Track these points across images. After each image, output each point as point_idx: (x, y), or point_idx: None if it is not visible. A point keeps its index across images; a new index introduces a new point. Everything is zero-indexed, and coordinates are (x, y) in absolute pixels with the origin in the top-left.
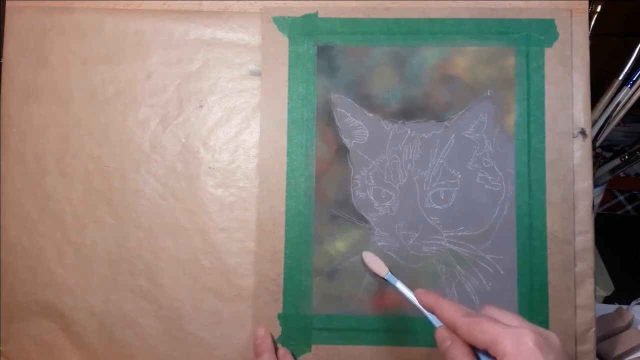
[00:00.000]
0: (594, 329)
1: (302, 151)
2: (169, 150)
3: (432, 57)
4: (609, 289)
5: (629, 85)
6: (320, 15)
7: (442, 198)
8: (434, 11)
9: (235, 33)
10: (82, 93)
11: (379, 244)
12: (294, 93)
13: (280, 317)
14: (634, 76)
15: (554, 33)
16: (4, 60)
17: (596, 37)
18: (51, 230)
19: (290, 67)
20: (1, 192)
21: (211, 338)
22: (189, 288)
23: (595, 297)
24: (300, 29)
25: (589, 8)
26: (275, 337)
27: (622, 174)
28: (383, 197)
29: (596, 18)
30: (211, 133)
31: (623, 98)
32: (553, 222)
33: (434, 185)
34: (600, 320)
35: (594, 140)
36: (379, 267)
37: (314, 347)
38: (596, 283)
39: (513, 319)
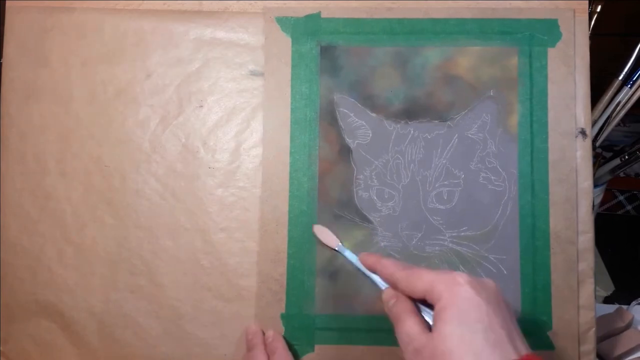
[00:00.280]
0: (594, 329)
1: (305, 151)
2: (169, 150)
3: (434, 57)
4: (609, 289)
5: (629, 85)
6: (323, 15)
7: (445, 198)
8: (436, 11)
9: (236, 33)
10: (82, 93)
11: (382, 244)
12: (297, 93)
13: (283, 317)
14: (634, 76)
15: (557, 33)
16: (4, 60)
17: (596, 37)
18: (51, 230)
19: (293, 67)
20: (1, 192)
21: (211, 338)
22: (189, 288)
23: (595, 297)
24: (303, 29)
25: (589, 8)
26: None
27: (622, 174)
28: (386, 197)
29: (596, 18)
30: (211, 133)
31: (623, 98)
32: (556, 222)
33: (437, 185)
34: (600, 320)
35: (594, 140)
36: (330, 239)
37: (317, 347)
38: (596, 283)
39: (449, 270)
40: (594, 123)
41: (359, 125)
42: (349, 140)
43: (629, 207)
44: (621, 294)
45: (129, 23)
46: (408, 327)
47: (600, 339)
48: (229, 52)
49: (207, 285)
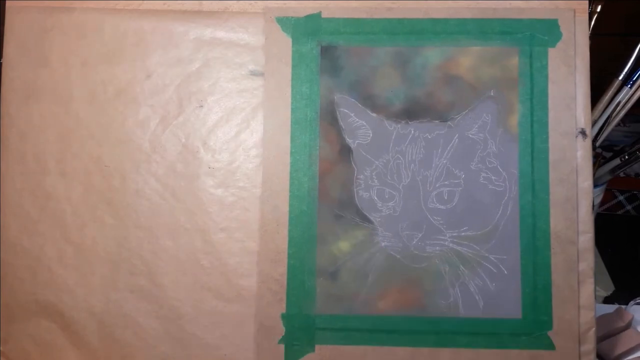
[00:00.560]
0: (594, 328)
1: (306, 151)
2: (169, 150)
3: (435, 57)
4: (609, 289)
5: (629, 85)
6: (323, 15)
7: (446, 198)
8: (436, 11)
9: (236, 33)
10: (82, 93)
11: (383, 244)
12: (298, 93)
13: (283, 317)
14: (634, 76)
15: (557, 33)
16: (4, 60)
17: (596, 37)
18: (51, 230)
19: (294, 67)
20: (1, 192)
21: (211, 338)
22: (189, 288)
23: (595, 297)
24: (304, 29)
25: (589, 8)
26: (279, 337)
27: (622, 174)
28: (386, 197)
29: (596, 18)
30: (211, 133)
31: (623, 98)
32: (556, 222)
33: (437, 186)
34: (600, 320)
35: (594, 140)
36: None
37: (317, 347)
38: (596, 283)
39: None
40: (594, 123)
41: (360, 125)
42: (349, 140)
43: (629, 207)
44: (621, 294)
45: (129, 23)
46: None
47: (600, 339)
48: (229, 52)
49: (207, 285)
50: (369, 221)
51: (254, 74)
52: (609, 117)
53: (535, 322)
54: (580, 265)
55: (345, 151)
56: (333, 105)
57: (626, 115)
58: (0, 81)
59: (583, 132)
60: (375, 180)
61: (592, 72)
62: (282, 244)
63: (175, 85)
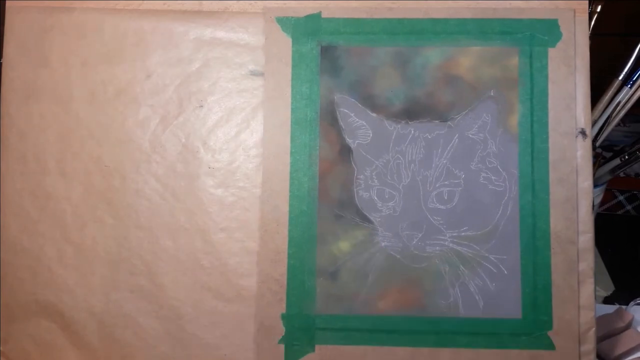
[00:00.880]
0: (594, 329)
1: (306, 151)
2: (169, 150)
3: (435, 57)
4: (609, 289)
5: (629, 85)
6: (323, 15)
7: (446, 198)
8: (436, 11)
9: (236, 33)
10: (82, 93)
11: (383, 244)
12: (298, 93)
13: (283, 317)
14: (634, 76)
15: (557, 33)
16: (4, 60)
17: (596, 37)
18: (51, 230)
19: (294, 67)
20: (1, 192)
21: (211, 338)
22: (189, 288)
23: (595, 297)
24: (304, 29)
25: (589, 8)
26: (279, 337)
27: (622, 174)
28: (386, 197)
29: (596, 18)
30: (211, 133)
31: (623, 98)
32: (556, 222)
33: (437, 185)
34: (600, 320)
35: (594, 140)
36: None
37: (317, 347)
38: (596, 283)
39: None
40: (594, 123)
41: (360, 125)
42: (349, 140)
43: (629, 207)
44: (621, 294)
45: (129, 23)
46: None
47: (600, 339)
48: (229, 52)
49: (207, 285)
50: (369, 221)
51: (254, 74)
52: (609, 117)
53: (535, 322)
54: (580, 265)
55: (345, 151)
56: (333, 105)
57: (626, 115)
58: (0, 81)
59: (583, 132)
60: (375, 180)
61: (592, 72)
62: (282, 244)
63: (175, 85)
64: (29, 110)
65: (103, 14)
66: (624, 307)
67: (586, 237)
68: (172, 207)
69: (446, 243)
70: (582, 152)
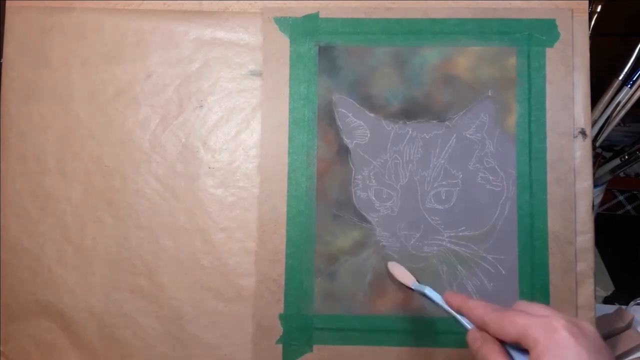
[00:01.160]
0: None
1: (304, 151)
2: (169, 150)
3: (433, 57)
4: (609, 289)
5: (629, 85)
6: (322, 15)
7: (444, 198)
8: (436, 11)
9: (235, 33)
10: (82, 93)
11: (380, 244)
12: (296, 93)
13: (281, 317)
14: (634, 76)
15: (555, 33)
16: (4, 60)
17: (596, 37)
18: (51, 230)
19: (292, 67)
20: (1, 192)
21: (211, 338)
22: (189, 288)
23: (595, 297)
24: (302, 29)
25: (589, 8)
26: (277, 337)
27: (622, 174)
28: (384, 197)
29: (596, 18)
30: (211, 133)
31: (623, 98)
32: (554, 222)
33: (435, 185)
34: (600, 320)
35: (594, 140)
36: (405, 277)
37: (315, 347)
38: (596, 283)
39: (543, 310)
40: (594, 123)
41: (357, 126)
42: (347, 141)
43: (629, 207)
44: (621, 294)
45: (129, 23)
46: None
47: None
48: (229, 52)
49: (207, 285)
50: (367, 221)
51: (254, 74)
52: (609, 117)
53: None
54: (580, 265)
55: (343, 151)
56: (331, 105)
57: (626, 115)
58: (0, 81)
59: (583, 132)
60: (373, 180)
61: (592, 72)
62: (280, 244)
63: (175, 85)
64: (29, 110)
65: (103, 14)
66: (624, 307)
67: (586, 237)
68: (172, 207)
69: (444, 243)
70: (582, 152)
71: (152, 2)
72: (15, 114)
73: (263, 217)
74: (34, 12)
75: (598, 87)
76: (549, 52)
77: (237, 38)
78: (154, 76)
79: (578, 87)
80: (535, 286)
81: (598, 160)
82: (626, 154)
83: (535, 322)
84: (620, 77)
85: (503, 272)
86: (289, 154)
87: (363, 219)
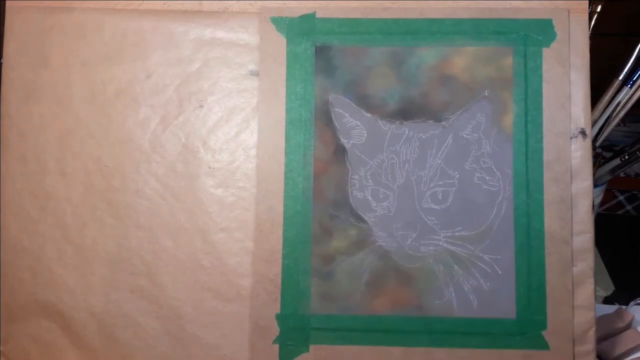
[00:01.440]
0: (593, 329)
1: (300, 151)
2: (169, 150)
3: (430, 57)
4: (609, 289)
5: (629, 85)
6: (319, 15)
7: (440, 198)
8: (432, 11)
9: (235, 33)
10: (82, 93)
11: (377, 244)
12: (292, 93)
13: (278, 317)
14: (634, 76)
15: (551, 33)
16: (4, 60)
17: (596, 37)
18: (51, 230)
19: (288, 67)
20: (1, 192)
21: (211, 338)
22: (189, 288)
23: (595, 297)
24: (298, 29)
25: (589, 8)
26: (274, 337)
27: (622, 174)
28: (381, 197)
29: (596, 18)
30: (211, 133)
31: (623, 98)
32: (551, 222)
33: (431, 185)
34: (600, 320)
35: (594, 140)
36: None
37: (312, 347)
38: (596, 283)
39: None
40: (594, 123)
41: (354, 126)
42: (344, 141)
43: (629, 207)
44: (621, 294)
45: (129, 23)
46: None
47: (600, 340)
48: (229, 52)
49: (207, 285)
50: (364, 221)
51: (253, 74)
52: (609, 117)
53: (529, 322)
54: (580, 265)
55: (340, 151)
56: (327, 105)
57: (626, 115)
58: (0, 81)
59: (583, 132)
60: (370, 180)
61: (592, 72)
62: (276, 244)
63: (175, 85)
64: (29, 110)
65: (103, 14)
66: (624, 307)
67: (586, 237)
68: (172, 207)
69: (440, 243)
70: (582, 152)
71: (152, 2)
72: (15, 114)
73: (260, 217)
74: (34, 12)
75: (598, 87)
76: (546, 52)
77: (237, 38)
78: (154, 76)
79: (578, 87)
80: (531, 286)
81: (598, 160)
82: (626, 154)
83: None
84: (620, 77)
85: (499, 272)
86: (286, 154)
87: (360, 219)
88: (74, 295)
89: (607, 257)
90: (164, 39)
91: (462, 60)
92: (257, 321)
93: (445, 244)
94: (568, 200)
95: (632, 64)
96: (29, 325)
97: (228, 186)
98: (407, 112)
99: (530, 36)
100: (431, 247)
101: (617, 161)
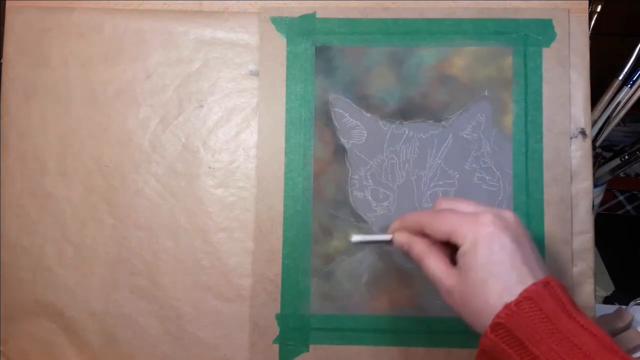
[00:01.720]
0: None
1: (300, 151)
2: (169, 150)
3: (430, 57)
4: (609, 289)
5: (629, 85)
6: (319, 15)
7: None
8: (432, 11)
9: (235, 33)
10: (82, 93)
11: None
12: (292, 93)
13: (278, 317)
14: (634, 76)
15: (551, 33)
16: (4, 60)
17: (596, 37)
18: (51, 230)
19: (288, 67)
20: (1, 192)
21: (211, 338)
22: (189, 288)
23: (595, 298)
24: (298, 29)
25: (589, 8)
26: (273, 337)
27: (622, 174)
28: (381, 197)
29: (596, 18)
30: (211, 133)
31: (623, 98)
32: (550, 222)
33: (431, 185)
34: (600, 320)
35: (594, 140)
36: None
37: (312, 347)
38: (596, 283)
39: (469, 206)
40: (594, 123)
41: (354, 126)
42: (343, 141)
43: (629, 207)
44: (621, 294)
45: (129, 23)
46: (432, 267)
47: None
48: (229, 52)
49: (207, 285)
50: (364, 221)
51: (253, 74)
52: (609, 117)
53: None
54: (580, 265)
55: (340, 151)
56: (327, 105)
57: (626, 115)
58: (0, 81)
59: (583, 132)
60: (370, 180)
61: (592, 72)
62: (276, 244)
63: (175, 85)
64: (29, 110)
65: (103, 14)
66: (624, 307)
67: (586, 237)
68: (172, 207)
69: None
70: (582, 152)
71: (152, 2)
72: (15, 114)
73: (260, 217)
74: (34, 12)
75: (598, 87)
76: (546, 52)
77: (237, 38)
78: (154, 76)
79: (578, 87)
80: None
81: (598, 160)
82: (626, 154)
83: (464, 220)
84: (620, 77)
85: None
86: (286, 154)
87: (360, 219)
88: (74, 295)
89: (607, 257)
90: (164, 39)
91: (462, 60)
92: (257, 321)
93: None
94: (568, 200)
95: (632, 64)
96: (29, 325)
97: (228, 186)
98: (407, 112)
99: (530, 36)
100: None
101: (617, 161)
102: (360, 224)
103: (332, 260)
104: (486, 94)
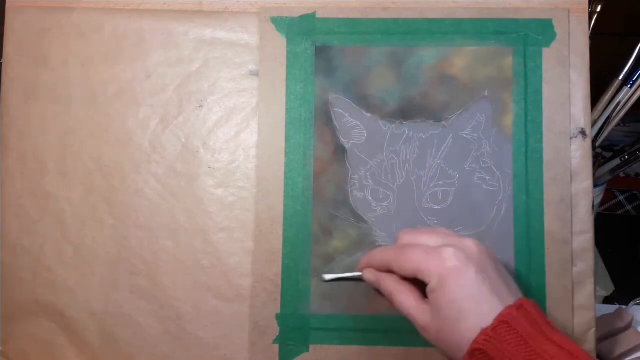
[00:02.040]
0: (593, 329)
1: (300, 151)
2: (169, 150)
3: (430, 57)
4: (609, 289)
5: (629, 85)
6: (319, 15)
7: (440, 198)
8: (432, 11)
9: (235, 33)
10: (82, 93)
11: (377, 244)
12: (292, 93)
13: (278, 317)
14: (634, 76)
15: (551, 33)
16: (4, 60)
17: (596, 37)
18: (51, 230)
19: (288, 67)
20: (1, 192)
21: (211, 338)
22: (189, 288)
23: (595, 297)
24: (298, 29)
25: (589, 8)
26: (273, 337)
27: (622, 174)
28: (381, 197)
29: (596, 18)
30: (211, 133)
31: (623, 98)
32: (550, 222)
33: (431, 186)
34: (600, 320)
35: (594, 140)
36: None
37: (312, 347)
38: (596, 283)
39: (431, 238)
40: (594, 123)
41: (354, 126)
42: (343, 141)
43: (629, 207)
44: (621, 294)
45: (129, 23)
46: (404, 305)
47: (600, 340)
48: (229, 52)
49: (207, 285)
50: (364, 221)
51: (253, 74)
52: (609, 117)
53: None
54: (580, 265)
55: (340, 151)
56: (327, 105)
57: (626, 115)
58: (0, 81)
59: (583, 132)
60: (370, 180)
61: (592, 72)
62: (276, 244)
63: (175, 85)
64: (29, 110)
65: (103, 14)
66: (624, 307)
67: (586, 237)
68: (172, 207)
69: None
70: (582, 152)
71: (152, 2)
72: (15, 114)
73: (260, 217)
74: (34, 12)
75: (598, 87)
76: (546, 52)
77: (237, 38)
78: (154, 76)
79: (578, 87)
80: (531, 286)
81: (598, 160)
82: (626, 154)
83: (428, 257)
84: (620, 77)
85: None
86: (286, 154)
87: (360, 218)
88: (74, 295)
89: (607, 257)
90: (164, 39)
91: (462, 60)
92: (257, 321)
93: None
94: (568, 200)
95: (632, 64)
96: (29, 325)
97: (228, 186)
98: (407, 112)
99: (530, 36)
100: None
101: (617, 161)
102: (360, 224)
103: (332, 260)
104: (486, 94)
